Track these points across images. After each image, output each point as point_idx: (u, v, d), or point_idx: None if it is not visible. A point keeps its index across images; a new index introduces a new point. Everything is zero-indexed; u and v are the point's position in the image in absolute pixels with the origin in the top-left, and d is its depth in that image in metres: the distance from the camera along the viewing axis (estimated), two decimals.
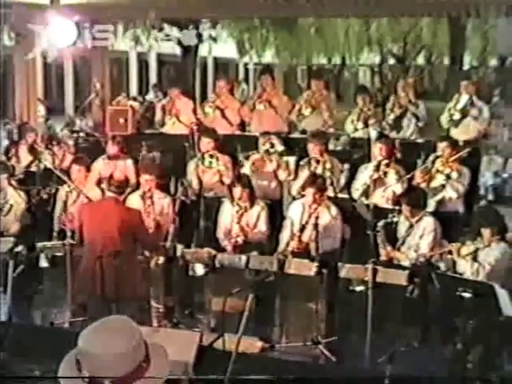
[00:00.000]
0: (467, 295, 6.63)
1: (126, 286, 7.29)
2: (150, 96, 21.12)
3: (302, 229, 8.32)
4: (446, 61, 25.28)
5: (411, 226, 8.06)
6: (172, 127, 12.18)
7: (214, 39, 19.21)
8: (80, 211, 8.08)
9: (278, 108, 11.86)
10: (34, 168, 10.55)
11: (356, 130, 11.45)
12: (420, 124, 11.47)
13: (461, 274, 7.25)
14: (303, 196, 8.60)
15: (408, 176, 9.21)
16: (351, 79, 30.42)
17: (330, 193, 9.04)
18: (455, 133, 10.91)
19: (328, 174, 9.35)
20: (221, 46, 22.66)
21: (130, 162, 10.28)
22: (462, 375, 6.61)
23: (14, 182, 9.65)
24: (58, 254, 8.20)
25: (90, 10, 12.02)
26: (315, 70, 27.77)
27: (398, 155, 9.86)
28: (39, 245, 8.33)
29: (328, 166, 9.50)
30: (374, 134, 11.02)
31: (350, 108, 12.19)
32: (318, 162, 9.50)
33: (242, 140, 11.18)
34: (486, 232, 7.34)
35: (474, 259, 7.34)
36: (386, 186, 9.16)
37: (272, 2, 11.95)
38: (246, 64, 31.58)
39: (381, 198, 9.10)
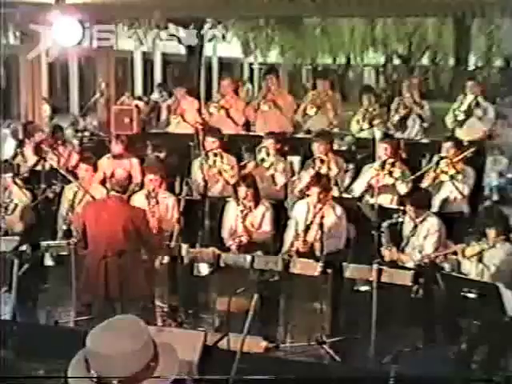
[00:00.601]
0: (472, 296, 6.64)
1: (130, 286, 7.30)
2: (155, 96, 21.10)
3: (307, 229, 8.30)
4: (451, 61, 25.21)
5: (415, 227, 8.04)
6: (177, 127, 12.20)
7: (219, 39, 19.18)
8: (84, 210, 8.09)
9: (282, 108, 11.86)
10: (39, 167, 10.55)
11: (362, 130, 11.45)
12: (425, 124, 11.47)
13: (465, 275, 7.24)
14: (308, 196, 8.59)
15: (413, 177, 9.20)
16: (356, 79, 30.39)
17: (335, 193, 9.03)
18: (460, 133, 10.91)
19: (333, 173, 9.35)
20: (226, 45, 22.60)
21: (135, 161, 10.29)
22: (467, 375, 6.60)
23: (19, 181, 9.66)
24: (63, 253, 8.21)
25: (95, 10, 12.02)
26: (320, 69, 27.74)
27: (403, 155, 9.85)
28: (44, 244, 8.34)
29: (333, 165, 9.50)
30: (378, 134, 11.02)
31: (355, 108, 12.19)
32: (322, 161, 9.50)
33: (247, 140, 11.20)
34: (490, 232, 7.33)
35: (479, 260, 7.32)
36: (391, 185, 9.15)
37: (277, 2, 11.95)
38: (250, 64, 31.53)
39: (385, 198, 9.10)
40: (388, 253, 7.97)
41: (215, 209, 9.19)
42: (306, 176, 9.31)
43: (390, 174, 9.14)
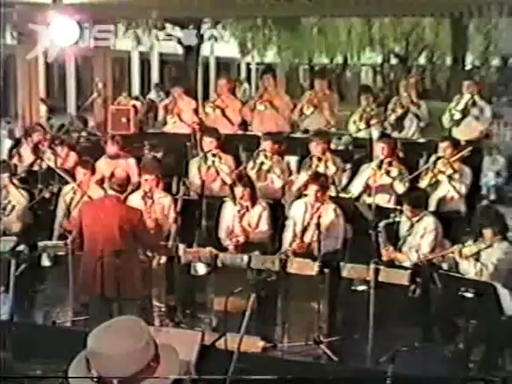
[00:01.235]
0: (469, 295, 6.64)
1: (126, 286, 7.29)
2: (152, 95, 21.13)
3: (305, 229, 8.31)
4: (448, 60, 25.25)
5: (412, 226, 8.05)
6: (174, 126, 12.19)
7: (216, 38, 19.24)
8: (81, 209, 8.10)
9: (279, 108, 11.87)
10: (36, 167, 10.55)
11: (359, 130, 11.46)
12: (422, 124, 11.48)
13: (463, 275, 7.24)
14: (305, 195, 8.60)
15: (410, 177, 9.21)
16: (353, 79, 30.44)
17: (332, 192, 9.03)
18: (457, 133, 10.91)
19: (330, 173, 9.35)
20: (223, 45, 22.69)
21: (132, 161, 10.29)
22: (464, 375, 6.62)
23: (16, 181, 9.65)
24: (60, 253, 8.21)
25: (92, 10, 12.03)
26: (317, 69, 27.80)
27: (400, 155, 9.86)
28: (41, 244, 8.34)
29: (330, 164, 9.51)
30: (375, 133, 11.02)
31: (352, 108, 12.21)
32: (319, 159, 9.51)
33: (244, 140, 11.21)
34: (487, 232, 7.33)
35: (477, 260, 7.33)
36: (388, 185, 9.16)
37: (274, 2, 11.95)
38: (248, 63, 31.59)
39: (383, 198, 9.11)
40: (385, 252, 7.97)
41: (212, 209, 9.19)
42: (304, 175, 9.32)
43: (388, 173, 9.15)
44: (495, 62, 25.14)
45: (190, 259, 8.06)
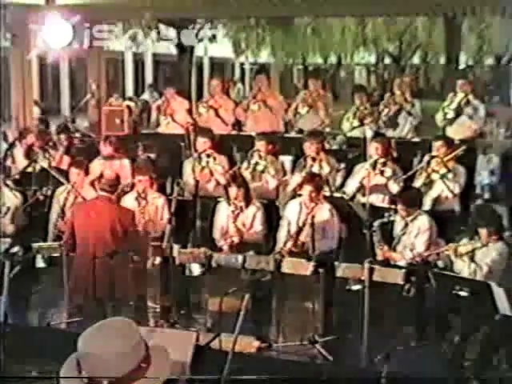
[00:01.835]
0: (464, 294, 6.65)
1: (118, 287, 7.30)
2: (146, 96, 21.12)
3: (299, 228, 8.31)
4: (442, 60, 25.28)
5: (406, 225, 8.06)
6: (167, 127, 12.18)
7: (210, 39, 19.22)
8: (73, 211, 8.13)
9: (272, 108, 11.87)
10: (29, 169, 10.53)
11: (352, 127, 11.47)
12: (414, 122, 11.49)
13: (458, 274, 7.25)
14: (300, 196, 8.60)
15: (404, 176, 9.22)
16: (347, 78, 30.46)
17: (326, 192, 9.03)
18: (451, 132, 10.92)
19: (324, 173, 9.35)
20: (217, 45, 22.66)
21: (126, 161, 10.27)
22: (459, 374, 6.62)
23: (9, 183, 9.64)
24: (55, 255, 8.21)
25: (86, 11, 12.00)
26: (311, 69, 27.81)
27: (394, 154, 9.87)
28: (35, 245, 8.33)
29: (324, 164, 9.51)
30: (369, 133, 11.01)
31: (346, 107, 12.21)
32: (313, 160, 9.51)
33: (238, 140, 11.21)
34: (483, 232, 7.33)
35: (472, 259, 7.33)
36: (382, 185, 9.17)
37: (268, 2, 11.95)
38: (242, 64, 31.58)
39: (377, 198, 9.12)
40: (380, 252, 7.98)
41: (207, 209, 9.20)
42: (298, 175, 9.33)
43: (382, 173, 9.16)
44: (489, 61, 25.18)
45: (184, 260, 8.05)
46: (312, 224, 7.90)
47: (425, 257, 7.84)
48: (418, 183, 9.09)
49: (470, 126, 11.15)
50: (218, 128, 11.42)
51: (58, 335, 7.40)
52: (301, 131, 11.55)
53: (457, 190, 9.09)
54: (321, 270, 7.33)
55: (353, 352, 7.14)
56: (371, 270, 7.06)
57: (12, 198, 9.36)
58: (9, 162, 11.01)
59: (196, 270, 8.31)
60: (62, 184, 9.41)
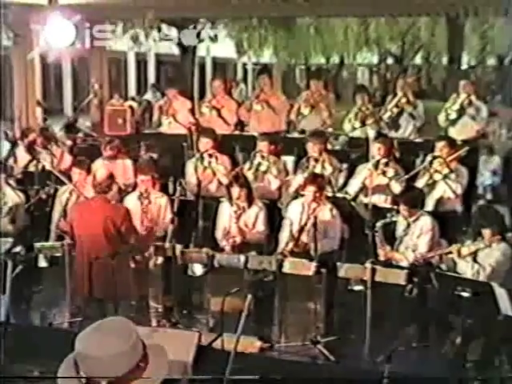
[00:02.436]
0: (466, 294, 6.65)
1: (116, 287, 7.29)
2: (148, 96, 21.12)
3: (302, 229, 8.31)
4: (444, 60, 25.26)
5: (409, 226, 8.05)
6: (168, 127, 12.17)
7: (213, 39, 19.22)
8: (71, 211, 8.16)
9: (275, 108, 11.87)
10: (32, 168, 10.54)
11: (354, 128, 11.45)
12: (417, 124, 11.48)
13: (461, 275, 7.24)
14: (302, 196, 8.60)
15: (406, 176, 9.21)
16: (350, 79, 30.41)
17: (329, 192, 9.03)
18: (453, 132, 10.92)
19: (327, 173, 9.35)
20: (219, 45, 22.65)
21: (128, 162, 10.27)
22: (461, 374, 6.62)
23: (12, 182, 9.64)
24: (57, 255, 8.21)
25: (88, 10, 12.01)
26: (314, 70, 27.80)
27: (397, 155, 9.86)
28: (38, 245, 8.34)
29: (327, 165, 9.50)
30: (372, 133, 11.01)
31: (349, 108, 12.20)
32: (316, 160, 9.50)
33: (240, 140, 11.20)
34: (486, 232, 7.33)
35: (475, 260, 7.33)
36: (384, 185, 9.16)
37: (270, 2, 11.95)
38: (244, 64, 31.57)
39: (379, 198, 9.11)
40: (382, 252, 7.98)
41: (209, 209, 9.19)
42: (300, 176, 9.32)
43: (384, 173, 9.15)
44: (491, 61, 25.15)
45: (186, 260, 8.05)
46: (314, 224, 7.89)
47: (427, 258, 7.84)
48: (420, 184, 9.08)
49: (472, 127, 11.14)
50: (221, 128, 11.41)
51: (59, 335, 7.41)
52: (303, 131, 11.55)
53: (459, 191, 9.09)
54: (323, 271, 7.33)
55: (355, 352, 7.14)
56: (373, 271, 7.06)
57: (14, 198, 9.37)
58: (11, 162, 11.01)
59: (198, 270, 8.32)
60: (65, 184, 9.41)
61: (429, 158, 9.42)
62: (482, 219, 7.62)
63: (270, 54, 24.64)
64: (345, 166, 10.02)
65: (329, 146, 10.44)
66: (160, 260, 8.27)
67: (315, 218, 8.09)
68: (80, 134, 13.52)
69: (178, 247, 7.96)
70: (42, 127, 12.37)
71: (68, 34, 11.81)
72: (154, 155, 10.80)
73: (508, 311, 6.41)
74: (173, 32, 15.60)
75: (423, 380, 6.38)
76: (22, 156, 11.01)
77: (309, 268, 7.39)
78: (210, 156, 9.76)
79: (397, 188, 9.06)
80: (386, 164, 9.21)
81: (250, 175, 9.51)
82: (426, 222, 8.05)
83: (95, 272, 7.41)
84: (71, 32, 11.80)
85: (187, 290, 8.40)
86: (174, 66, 25.53)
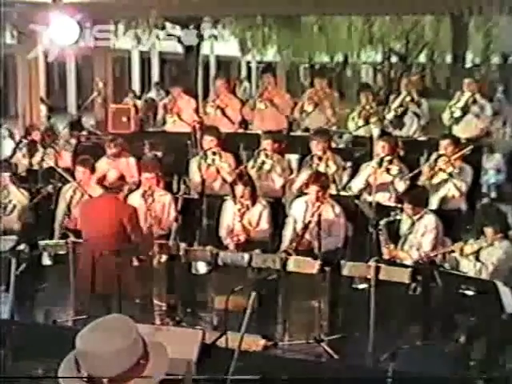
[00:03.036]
0: (470, 293, 6.64)
1: (123, 285, 7.30)
2: (152, 94, 21.13)
3: (305, 227, 8.30)
4: (449, 59, 25.20)
5: (413, 224, 8.04)
6: (173, 125, 12.19)
7: (216, 37, 19.22)
8: (80, 208, 8.17)
9: (279, 106, 11.87)
10: (36, 166, 10.56)
11: (358, 127, 11.44)
12: (422, 122, 11.47)
13: (464, 273, 7.24)
14: (306, 194, 8.59)
15: (411, 174, 9.21)
16: (354, 77, 30.35)
17: (333, 191, 9.02)
18: (457, 130, 10.91)
19: (331, 171, 9.34)
20: (223, 44, 22.63)
21: (132, 160, 10.29)
22: (465, 373, 6.61)
23: (16, 181, 9.65)
24: (61, 252, 8.22)
25: (92, 9, 12.02)
26: (318, 68, 27.75)
27: (401, 153, 9.85)
28: (42, 243, 8.34)
29: (331, 163, 9.50)
30: (376, 132, 11.02)
31: (353, 106, 12.19)
32: (320, 159, 9.50)
33: (244, 138, 11.21)
34: (488, 231, 7.33)
35: (477, 259, 7.32)
36: (388, 183, 9.16)
37: (274, 0, 11.95)
38: (248, 62, 31.54)
39: (383, 196, 9.10)
40: (386, 250, 7.97)
41: (213, 207, 9.19)
42: (304, 174, 9.32)
43: (388, 171, 9.15)
44: (495, 59, 25.09)
45: (190, 258, 8.06)
46: (318, 222, 7.89)
47: (431, 256, 7.83)
48: (424, 182, 9.08)
49: (476, 125, 11.13)
50: (225, 127, 11.41)
51: (64, 333, 7.41)
52: (307, 130, 11.54)
53: (463, 189, 9.08)
54: (327, 269, 7.33)
55: (359, 351, 7.13)
56: (377, 269, 7.05)
57: (19, 196, 9.39)
58: (16, 160, 11.03)
59: (202, 268, 8.33)
60: (68, 182, 9.42)
61: (433, 156, 9.42)
62: (484, 218, 7.62)
63: (273, 53, 24.58)
64: (349, 164, 10.01)
65: (333, 145, 10.43)
66: (164, 258, 8.26)
67: (319, 216, 8.08)
68: (84, 132, 13.53)
69: (182, 245, 7.97)
70: (46, 125, 12.38)
71: (72, 32, 11.81)
72: (158, 153, 10.81)
73: None
74: (177, 31, 15.60)
75: (427, 378, 6.38)
76: (27, 154, 11.02)
77: (313, 266, 7.38)
78: (214, 154, 9.77)
79: (401, 186, 9.06)
80: (390, 162, 9.20)
81: (253, 173, 9.51)
82: (430, 221, 8.04)
83: (99, 269, 7.43)
84: (75, 30, 11.80)
85: (191, 288, 8.40)
86: (178, 64, 25.52)
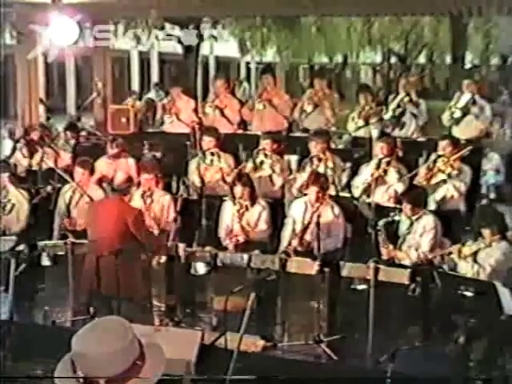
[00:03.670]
0: (469, 294, 6.64)
1: (124, 285, 7.31)
2: (152, 95, 21.13)
3: (305, 228, 8.31)
4: (448, 59, 25.23)
5: (411, 225, 8.05)
6: (171, 126, 12.19)
7: (216, 38, 19.24)
8: (88, 210, 8.22)
9: (278, 107, 11.87)
10: (35, 167, 10.56)
11: (357, 127, 11.45)
12: (420, 122, 11.47)
13: (462, 274, 7.24)
14: (305, 195, 8.59)
15: (409, 175, 9.21)
16: (353, 78, 30.36)
17: (332, 191, 9.02)
18: (457, 131, 10.92)
19: (330, 172, 9.34)
20: (222, 44, 22.65)
21: (131, 161, 10.28)
22: (464, 374, 6.61)
23: (15, 181, 9.65)
24: (60, 253, 8.21)
25: (92, 9, 12.02)
26: (317, 69, 27.77)
27: (400, 154, 9.85)
28: (41, 243, 8.33)
29: (330, 164, 9.50)
30: (375, 132, 11.02)
31: (352, 107, 12.20)
32: (319, 159, 9.50)
33: (243, 139, 11.21)
34: (486, 232, 7.32)
35: (475, 260, 7.32)
36: (387, 184, 9.16)
37: (274, 1, 11.95)
38: (247, 63, 31.54)
39: (382, 197, 9.11)
40: (385, 251, 7.97)
41: (212, 208, 9.19)
42: (304, 175, 9.32)
43: (386, 172, 9.15)
44: (495, 60, 25.10)
45: (189, 258, 8.05)
46: (317, 223, 7.89)
47: (429, 258, 7.83)
48: (423, 182, 9.08)
49: (476, 126, 11.14)
50: (224, 127, 11.42)
51: (63, 333, 7.40)
52: (307, 130, 11.54)
53: (463, 190, 9.08)
54: (326, 270, 7.33)
55: (358, 352, 7.13)
56: (376, 270, 7.06)
57: (18, 196, 9.38)
58: (15, 160, 11.03)
59: (201, 268, 8.31)
60: (68, 182, 9.42)
61: (432, 156, 9.42)
62: (482, 219, 7.62)
63: (273, 53, 24.59)
64: (348, 165, 10.01)
65: (332, 145, 10.43)
66: (163, 259, 8.26)
67: (318, 216, 8.09)
68: (83, 133, 13.52)
69: (181, 246, 7.97)
70: (45, 126, 12.37)
71: (71, 32, 11.82)
72: (158, 154, 10.81)
73: (511, 311, 6.40)
74: (176, 31, 15.60)
75: (426, 379, 6.38)
76: (26, 154, 11.02)
77: (312, 267, 7.38)
78: (213, 154, 9.77)
79: (400, 187, 9.06)
80: (389, 163, 9.21)
81: (252, 173, 9.51)
82: (428, 221, 8.04)
83: (101, 269, 7.43)
84: (75, 31, 11.81)
85: (190, 288, 8.40)
86: (178, 64, 25.55)
